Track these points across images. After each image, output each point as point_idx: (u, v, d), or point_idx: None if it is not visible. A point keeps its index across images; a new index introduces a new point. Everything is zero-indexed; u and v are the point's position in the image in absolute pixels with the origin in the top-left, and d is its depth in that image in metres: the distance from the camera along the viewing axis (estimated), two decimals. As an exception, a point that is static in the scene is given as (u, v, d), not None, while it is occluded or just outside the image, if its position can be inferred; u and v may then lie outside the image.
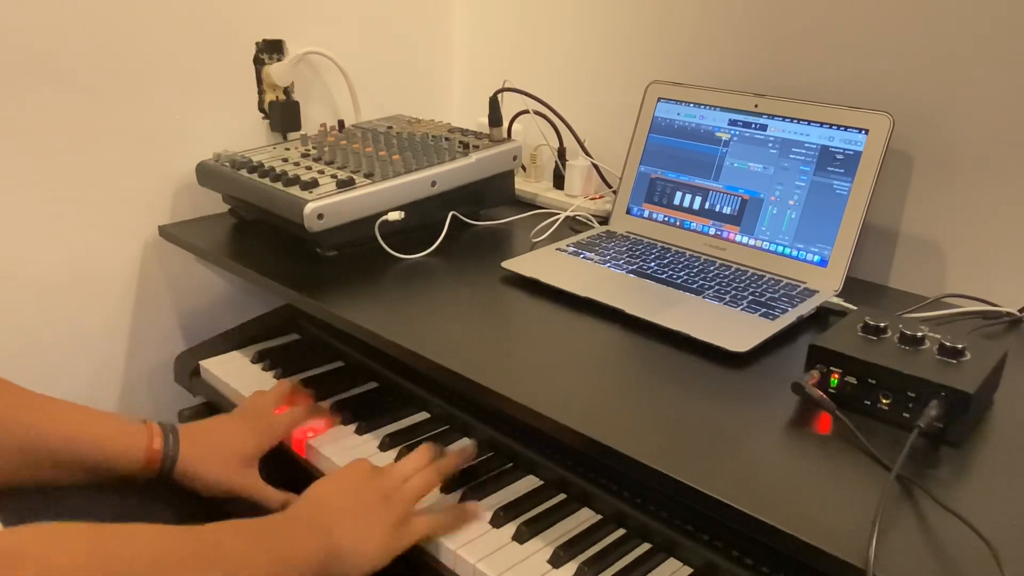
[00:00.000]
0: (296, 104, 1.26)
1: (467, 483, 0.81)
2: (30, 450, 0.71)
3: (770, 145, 0.99)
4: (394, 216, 1.01)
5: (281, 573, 0.62)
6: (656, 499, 0.74)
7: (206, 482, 0.78)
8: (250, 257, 1.03)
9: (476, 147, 1.13)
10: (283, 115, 1.24)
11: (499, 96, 1.19)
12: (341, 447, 0.88)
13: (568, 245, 1.03)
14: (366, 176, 1.03)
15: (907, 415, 0.67)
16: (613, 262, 0.98)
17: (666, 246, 1.04)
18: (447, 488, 0.81)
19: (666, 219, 1.07)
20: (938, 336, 0.71)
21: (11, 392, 0.73)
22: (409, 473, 0.76)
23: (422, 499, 0.76)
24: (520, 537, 0.74)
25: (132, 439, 0.75)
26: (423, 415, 0.95)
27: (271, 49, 1.22)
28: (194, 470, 0.77)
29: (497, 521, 0.76)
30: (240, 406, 0.90)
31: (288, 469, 0.86)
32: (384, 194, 1.01)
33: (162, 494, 0.79)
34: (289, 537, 0.65)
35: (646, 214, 1.09)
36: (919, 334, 0.71)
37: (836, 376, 0.71)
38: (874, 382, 0.68)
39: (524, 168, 1.32)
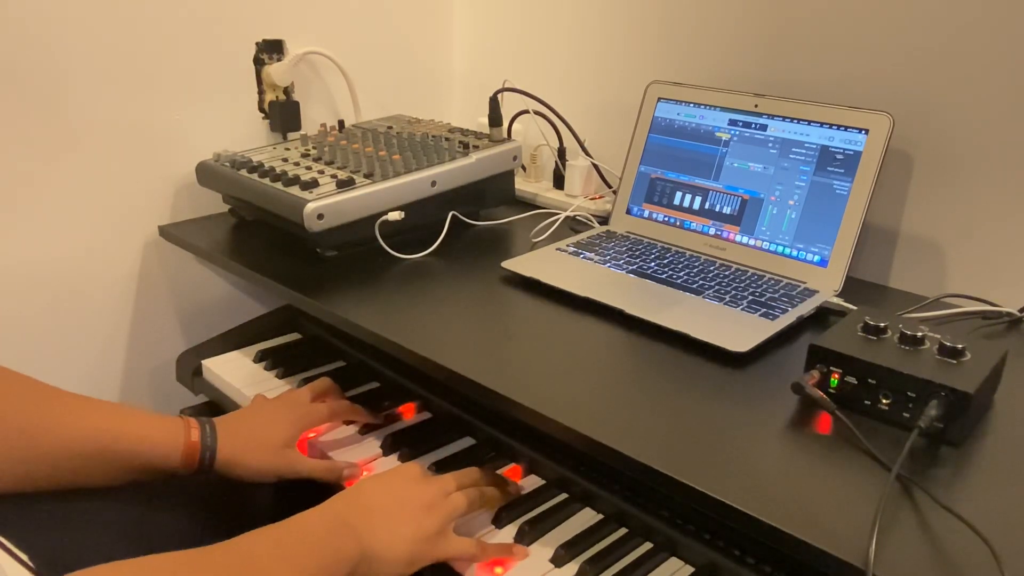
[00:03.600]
0: (296, 104, 1.26)
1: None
2: (68, 451, 0.70)
3: (770, 145, 0.99)
4: (394, 216, 1.01)
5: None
6: (657, 498, 0.74)
7: (248, 470, 0.78)
8: (250, 257, 1.03)
9: (476, 147, 1.13)
10: (283, 115, 1.24)
11: (499, 96, 1.19)
12: (347, 448, 0.88)
13: (568, 245, 1.03)
14: (366, 176, 1.03)
15: (907, 415, 0.67)
16: (613, 262, 0.98)
17: (666, 246, 1.04)
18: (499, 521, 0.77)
19: (666, 219, 1.07)
20: (938, 336, 0.71)
21: (44, 394, 0.72)
22: (454, 488, 0.74)
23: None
24: (522, 537, 0.74)
25: (169, 433, 0.75)
26: (425, 415, 0.95)
27: (271, 49, 1.22)
28: (235, 459, 0.78)
29: (499, 521, 0.76)
30: (277, 396, 0.90)
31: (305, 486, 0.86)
32: (384, 194, 1.01)
33: (167, 501, 0.79)
34: (320, 544, 0.64)
35: (646, 214, 1.09)
36: (919, 334, 0.71)
37: (836, 376, 0.71)
38: (874, 382, 0.69)
39: (524, 168, 1.32)
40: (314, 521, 0.66)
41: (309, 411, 0.86)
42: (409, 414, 0.95)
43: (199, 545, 0.65)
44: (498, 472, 0.83)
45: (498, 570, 0.71)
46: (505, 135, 1.20)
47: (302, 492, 0.82)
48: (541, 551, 0.73)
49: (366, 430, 0.91)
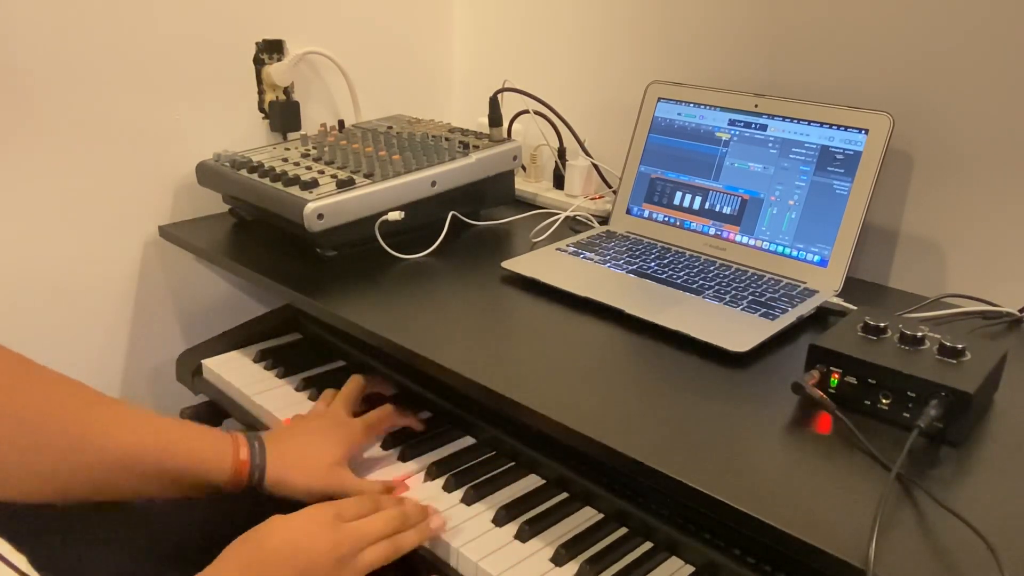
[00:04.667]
0: (296, 104, 1.26)
1: (466, 481, 0.81)
2: (113, 464, 0.68)
3: (770, 145, 1.00)
4: (394, 216, 1.01)
5: None
6: (658, 498, 0.74)
7: (297, 490, 0.76)
8: (250, 257, 1.03)
9: (476, 147, 1.13)
10: (283, 115, 1.24)
11: (499, 96, 1.19)
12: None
13: (568, 245, 1.04)
14: (366, 176, 1.03)
15: (907, 415, 0.67)
16: (613, 262, 0.99)
17: (666, 246, 1.04)
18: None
19: (666, 219, 1.07)
20: (938, 336, 0.71)
21: (95, 402, 0.70)
22: (372, 536, 0.70)
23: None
24: (522, 536, 0.74)
25: (218, 451, 0.73)
26: (425, 414, 0.95)
27: (271, 49, 1.22)
28: (285, 478, 0.75)
29: (499, 520, 0.76)
30: (316, 411, 0.88)
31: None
32: (384, 194, 1.01)
33: (174, 513, 0.79)
34: None
35: (646, 214, 1.09)
36: (919, 334, 0.71)
37: (836, 376, 0.71)
38: (874, 382, 0.69)
39: (524, 168, 1.32)
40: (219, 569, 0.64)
41: (351, 427, 0.84)
42: None
43: (208, 561, 0.64)
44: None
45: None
46: (505, 135, 1.20)
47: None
48: (541, 550, 0.73)
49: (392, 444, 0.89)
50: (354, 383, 0.91)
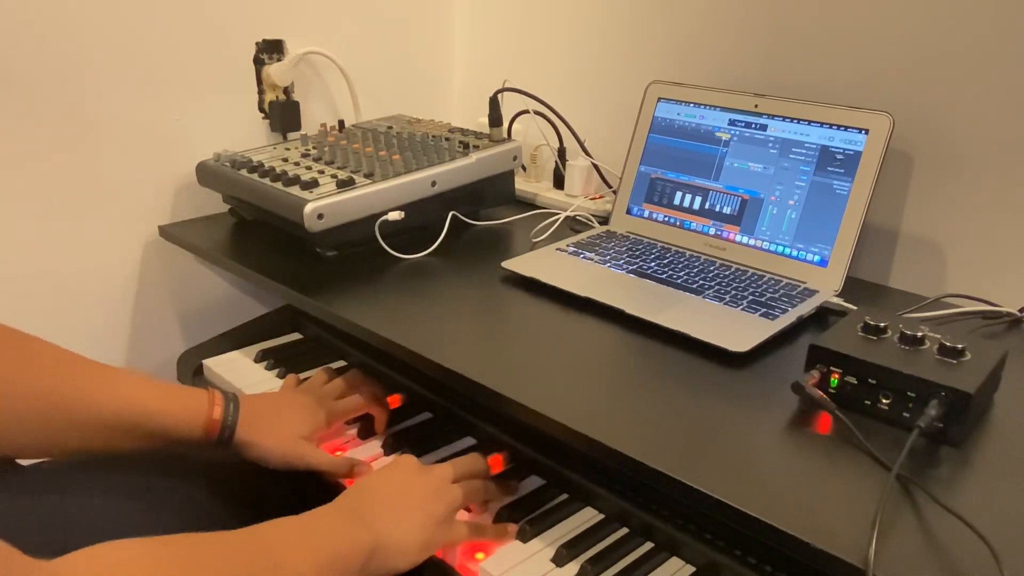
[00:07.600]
0: (296, 104, 1.26)
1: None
2: (97, 422, 0.71)
3: (770, 145, 1.00)
4: (394, 216, 1.01)
5: (327, 569, 0.62)
6: (658, 498, 0.74)
7: (262, 452, 0.79)
8: (250, 257, 1.03)
9: (476, 147, 1.13)
10: (283, 115, 1.24)
11: (499, 96, 1.19)
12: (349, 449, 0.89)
13: (568, 245, 1.04)
14: (366, 176, 1.03)
15: (907, 415, 0.67)
16: (613, 262, 0.99)
17: (666, 246, 1.04)
18: None
19: (666, 219, 1.07)
20: (938, 336, 0.71)
21: (77, 364, 0.73)
22: (456, 475, 0.75)
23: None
24: (523, 536, 0.74)
25: (192, 410, 0.76)
26: (426, 415, 0.95)
27: (271, 49, 1.22)
28: (252, 440, 0.78)
29: (500, 520, 0.76)
30: (304, 384, 0.92)
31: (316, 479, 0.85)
32: (384, 194, 1.01)
33: (175, 467, 0.80)
34: (334, 533, 0.65)
35: (646, 214, 1.09)
36: (919, 334, 0.71)
37: (836, 376, 0.71)
38: (874, 382, 0.69)
39: (524, 168, 1.32)
40: (329, 514, 0.67)
41: (318, 415, 0.86)
42: (395, 403, 0.94)
43: (206, 512, 0.66)
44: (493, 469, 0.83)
45: (479, 555, 0.72)
46: (505, 135, 1.20)
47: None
48: (542, 551, 0.73)
49: (366, 433, 0.91)
50: (319, 375, 0.94)
